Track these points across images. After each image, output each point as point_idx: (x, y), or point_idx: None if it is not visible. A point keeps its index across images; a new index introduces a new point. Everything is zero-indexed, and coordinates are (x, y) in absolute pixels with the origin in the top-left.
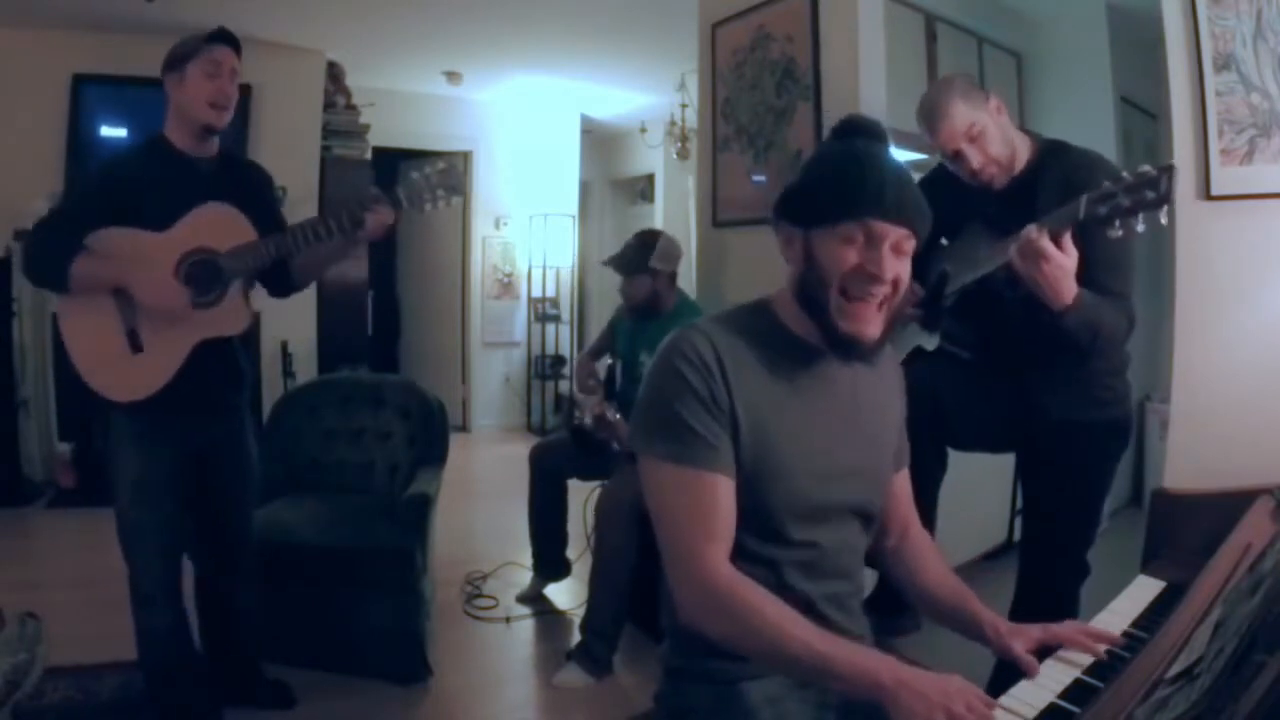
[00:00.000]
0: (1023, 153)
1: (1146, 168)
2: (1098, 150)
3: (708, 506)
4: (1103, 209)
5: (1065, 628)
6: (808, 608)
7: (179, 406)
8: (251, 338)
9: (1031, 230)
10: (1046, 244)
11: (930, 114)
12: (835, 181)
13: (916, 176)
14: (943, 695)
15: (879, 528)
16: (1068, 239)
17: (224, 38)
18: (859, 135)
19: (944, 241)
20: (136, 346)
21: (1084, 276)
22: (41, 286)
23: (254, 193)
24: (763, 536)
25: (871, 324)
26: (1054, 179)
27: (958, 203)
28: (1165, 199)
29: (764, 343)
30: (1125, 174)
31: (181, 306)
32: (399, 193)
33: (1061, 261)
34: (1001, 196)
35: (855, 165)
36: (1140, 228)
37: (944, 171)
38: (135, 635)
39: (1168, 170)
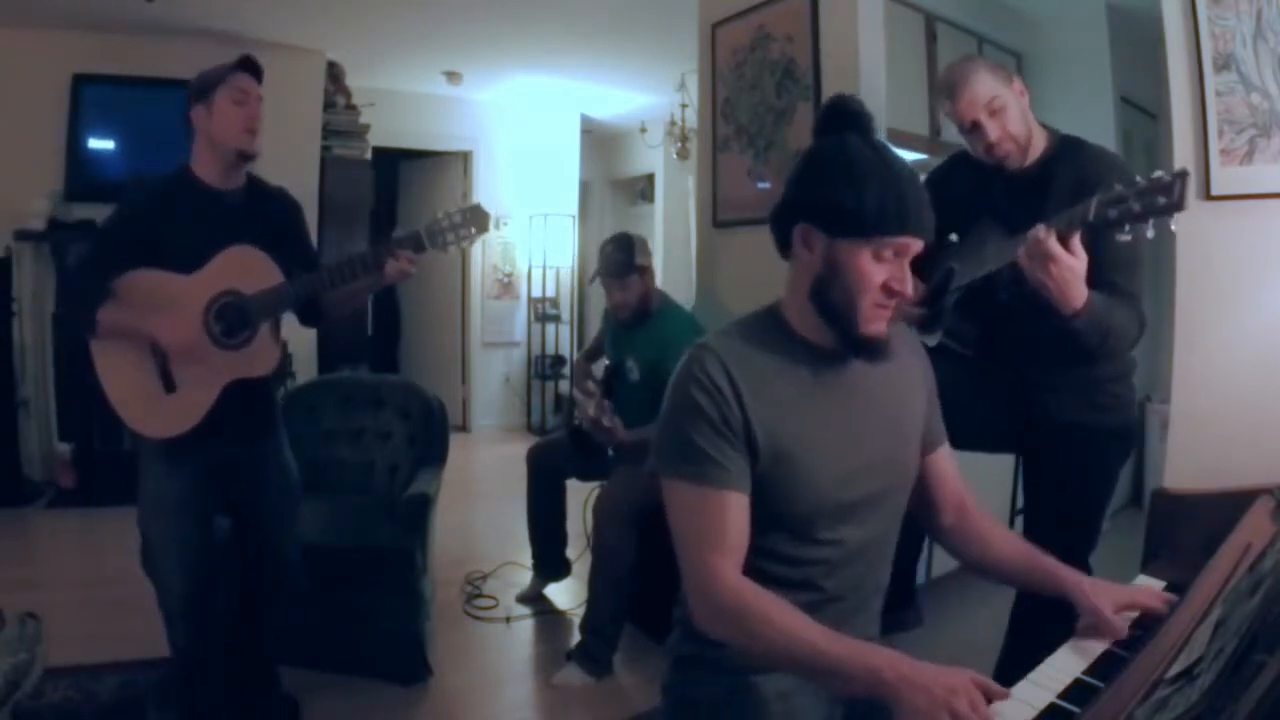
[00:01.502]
0: (1039, 142)
1: (1160, 173)
2: None
3: (718, 522)
4: (1113, 212)
5: (1144, 591)
6: (827, 605)
7: (208, 434)
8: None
9: (1040, 231)
10: (1054, 245)
11: (953, 82)
12: (879, 197)
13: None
14: (946, 691)
15: (933, 508)
16: (1076, 241)
17: (246, 65)
18: (850, 123)
19: (953, 237)
20: (170, 386)
21: (1093, 275)
22: (74, 332)
23: (282, 224)
24: (790, 537)
25: (885, 325)
26: (1067, 174)
27: (969, 195)
28: (1177, 205)
29: (776, 351)
30: (1139, 178)
31: (204, 349)
32: (421, 235)
33: (1070, 264)
34: (1013, 188)
35: (895, 181)
36: (1150, 233)
37: (955, 163)
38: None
39: (1181, 176)
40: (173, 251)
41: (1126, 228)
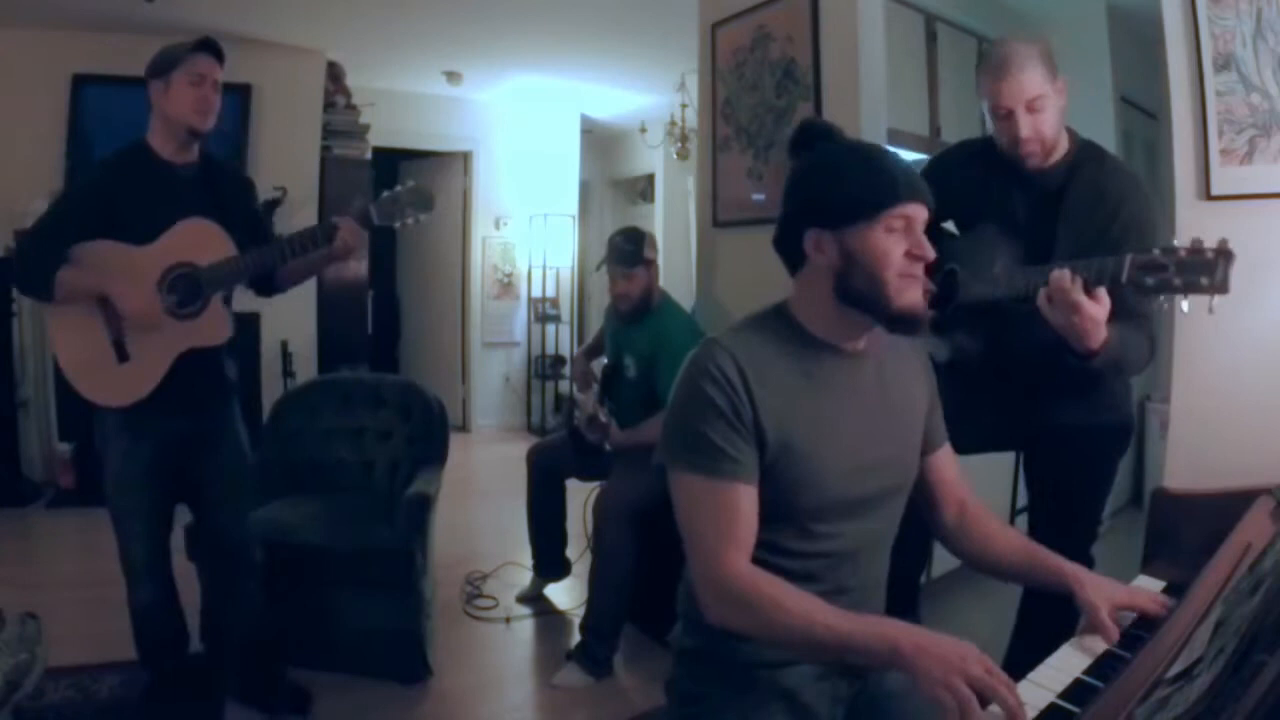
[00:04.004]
0: (1062, 144)
1: (1203, 245)
2: None
3: (729, 514)
4: (1150, 279)
5: (1143, 593)
6: (831, 598)
7: (162, 408)
8: (249, 339)
9: (1065, 278)
10: (1079, 295)
11: (1003, 65)
12: (868, 178)
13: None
14: (960, 658)
15: (935, 508)
16: (1102, 290)
17: (207, 47)
18: (823, 138)
19: (950, 228)
20: (123, 356)
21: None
22: (28, 295)
23: (234, 199)
24: (794, 532)
25: (919, 295)
26: (1085, 185)
27: (977, 189)
28: (1219, 288)
29: (786, 348)
30: (1177, 244)
31: (160, 317)
32: (370, 211)
33: (1094, 313)
34: (1028, 189)
35: (877, 161)
36: (1185, 307)
37: (964, 152)
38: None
39: (1224, 254)
40: (127, 222)
41: (1162, 299)
